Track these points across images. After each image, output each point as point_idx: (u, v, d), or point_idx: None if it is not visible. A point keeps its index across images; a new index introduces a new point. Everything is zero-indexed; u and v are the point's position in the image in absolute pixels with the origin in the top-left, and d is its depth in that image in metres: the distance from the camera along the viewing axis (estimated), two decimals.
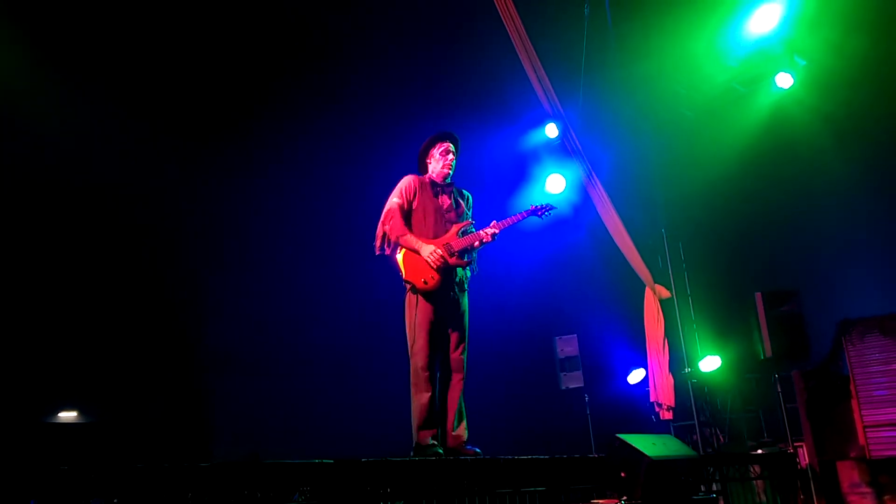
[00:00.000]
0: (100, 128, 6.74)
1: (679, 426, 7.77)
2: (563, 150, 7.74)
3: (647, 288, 7.78)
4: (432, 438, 4.28)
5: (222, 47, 7.38)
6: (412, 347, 4.39)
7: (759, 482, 6.19)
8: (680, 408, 7.62)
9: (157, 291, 7.23)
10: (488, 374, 7.71)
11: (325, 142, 8.01)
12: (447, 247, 4.43)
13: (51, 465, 2.54)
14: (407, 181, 4.61)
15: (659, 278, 7.89)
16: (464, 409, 4.46)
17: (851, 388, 6.17)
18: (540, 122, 8.24)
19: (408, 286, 4.46)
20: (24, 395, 6.21)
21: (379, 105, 8.08)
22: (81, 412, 6.72)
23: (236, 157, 7.76)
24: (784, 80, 7.99)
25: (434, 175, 4.69)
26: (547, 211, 4.76)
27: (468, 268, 4.61)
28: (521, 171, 8.69)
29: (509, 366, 8.30)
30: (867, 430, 6.04)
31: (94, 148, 6.73)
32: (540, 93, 6.98)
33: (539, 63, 6.77)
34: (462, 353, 4.49)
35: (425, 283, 4.38)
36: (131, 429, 6.50)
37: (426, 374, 4.33)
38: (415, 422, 4.31)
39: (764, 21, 7.72)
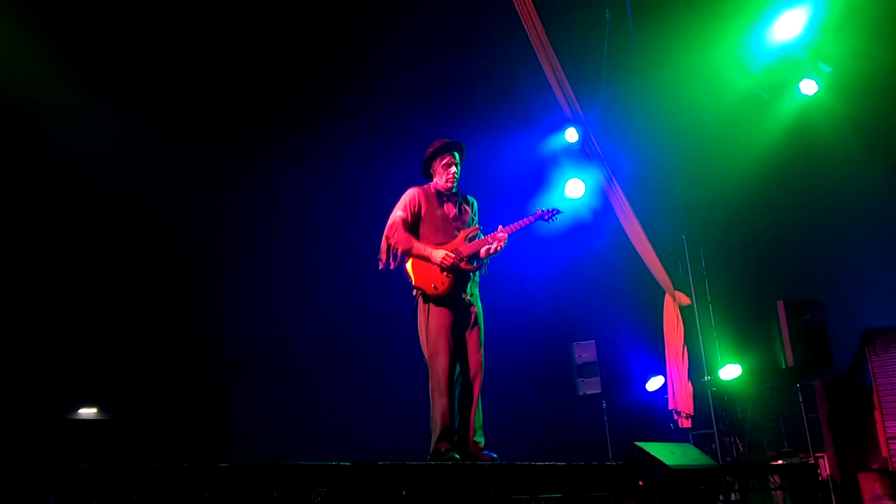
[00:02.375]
0: (120, 133, 6.82)
1: (698, 434, 7.69)
2: (583, 154, 7.70)
3: (666, 294, 7.71)
4: (449, 445, 4.27)
5: (238, 53, 7.43)
6: (429, 353, 4.39)
7: (779, 493, 6.12)
8: (699, 416, 7.55)
9: (177, 291, 7.29)
10: (505, 378, 7.67)
11: (342, 145, 8.04)
12: (456, 252, 4.45)
13: (70, 462, 2.56)
14: (411, 194, 4.62)
15: (679, 285, 7.82)
16: (481, 414, 4.45)
17: (874, 398, 6.09)
18: (560, 126, 8.21)
19: (418, 293, 4.47)
20: (45, 391, 6.28)
21: (396, 110, 8.10)
22: (101, 409, 6.78)
23: (256, 158, 7.82)
24: (808, 87, 7.90)
25: (438, 186, 4.70)
26: (553, 215, 4.76)
27: (480, 275, 4.61)
28: (540, 175, 8.67)
29: (526, 371, 8.27)
30: (890, 441, 5.96)
31: (115, 152, 6.81)
32: (560, 97, 6.95)
33: (559, 67, 6.75)
34: (480, 358, 4.48)
35: (435, 288, 4.40)
36: (150, 427, 6.55)
37: (446, 379, 4.32)
38: (434, 431, 4.30)
39: (788, 27, 7.62)
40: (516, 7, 6.35)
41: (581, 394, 8.31)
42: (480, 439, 4.41)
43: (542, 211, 4.74)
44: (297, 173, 7.89)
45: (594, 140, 7.42)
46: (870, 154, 7.74)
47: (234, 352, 7.56)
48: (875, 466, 6.06)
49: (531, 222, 4.68)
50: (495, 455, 4.31)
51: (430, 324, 4.39)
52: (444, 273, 4.41)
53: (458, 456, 4.23)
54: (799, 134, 8.15)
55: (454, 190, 4.70)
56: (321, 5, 7.50)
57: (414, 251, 4.45)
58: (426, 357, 4.42)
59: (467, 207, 4.75)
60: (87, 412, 6.71)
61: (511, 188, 8.28)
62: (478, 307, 4.58)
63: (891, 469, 5.91)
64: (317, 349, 7.75)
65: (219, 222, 7.67)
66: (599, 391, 8.21)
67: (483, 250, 4.50)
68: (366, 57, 7.94)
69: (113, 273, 6.89)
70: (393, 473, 3.34)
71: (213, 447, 7.12)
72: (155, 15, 6.85)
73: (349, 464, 3.16)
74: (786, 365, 6.52)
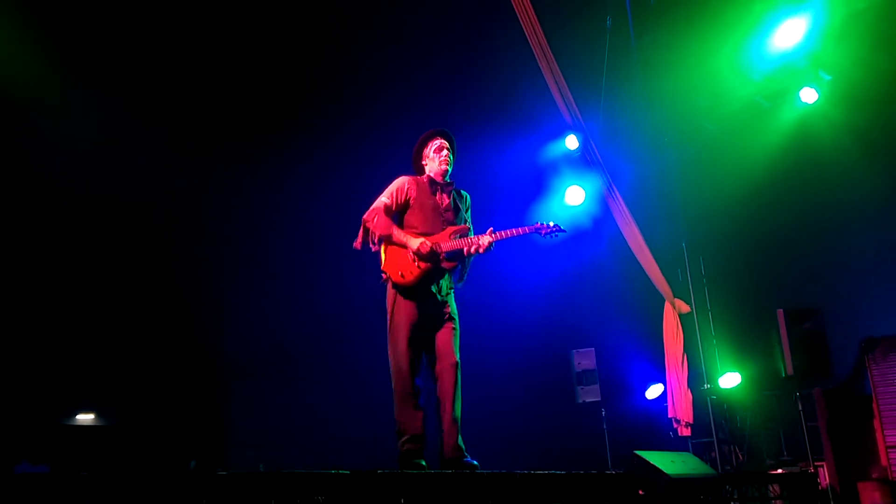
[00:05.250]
0: (121, 135, 6.85)
1: (697, 443, 7.68)
2: (584, 161, 7.72)
3: (666, 302, 7.71)
4: (418, 445, 4.11)
5: (238, 56, 7.45)
6: (391, 351, 4.23)
7: (779, 502, 6.09)
8: (698, 424, 7.54)
9: (176, 296, 7.29)
10: (504, 386, 7.67)
11: (343, 149, 8.03)
12: (436, 245, 4.25)
13: (67, 468, 2.55)
14: (399, 182, 4.45)
15: (679, 293, 7.82)
16: (459, 418, 4.18)
17: (874, 407, 6.08)
18: (560, 133, 8.20)
19: (384, 276, 4.30)
20: (42, 396, 6.26)
21: (396, 116, 8.09)
22: (99, 414, 6.76)
23: (255, 164, 7.82)
24: (808, 96, 7.91)
25: (433, 174, 4.51)
26: (553, 232, 4.39)
27: (455, 278, 4.41)
28: (540, 182, 8.66)
29: (526, 378, 8.25)
30: (889, 450, 5.95)
31: (116, 155, 6.83)
32: (561, 104, 6.96)
33: (560, 74, 6.76)
34: (454, 360, 4.23)
35: (402, 276, 4.22)
36: (148, 432, 6.53)
37: (409, 379, 4.15)
38: (402, 435, 4.13)
39: (789, 35, 7.63)
40: (517, 13, 6.35)
41: (580, 402, 8.29)
42: (460, 444, 4.15)
43: (542, 224, 4.40)
44: (297, 176, 7.88)
45: (594, 147, 7.43)
46: (870, 162, 7.73)
47: (234, 357, 7.54)
48: (875, 475, 6.04)
49: (525, 233, 4.35)
50: (475, 462, 4.10)
51: (394, 318, 4.22)
52: (416, 263, 4.22)
53: (424, 462, 4.06)
54: (799, 142, 8.15)
55: (448, 178, 4.51)
56: (324, 9, 7.51)
57: (393, 238, 4.28)
58: (390, 353, 4.24)
59: (460, 203, 4.55)
60: (85, 418, 6.69)
61: (510, 195, 8.27)
62: (453, 307, 4.34)
63: (890, 478, 5.89)
64: (316, 355, 7.73)
65: (218, 225, 7.67)
66: (599, 399, 8.19)
67: (464, 250, 4.26)
68: (367, 62, 7.94)
69: (111, 277, 6.89)
70: (392, 482, 3.32)
71: (211, 453, 7.09)
72: (158, 17, 6.86)
73: (348, 472, 3.14)
74: (785, 373, 6.51)
